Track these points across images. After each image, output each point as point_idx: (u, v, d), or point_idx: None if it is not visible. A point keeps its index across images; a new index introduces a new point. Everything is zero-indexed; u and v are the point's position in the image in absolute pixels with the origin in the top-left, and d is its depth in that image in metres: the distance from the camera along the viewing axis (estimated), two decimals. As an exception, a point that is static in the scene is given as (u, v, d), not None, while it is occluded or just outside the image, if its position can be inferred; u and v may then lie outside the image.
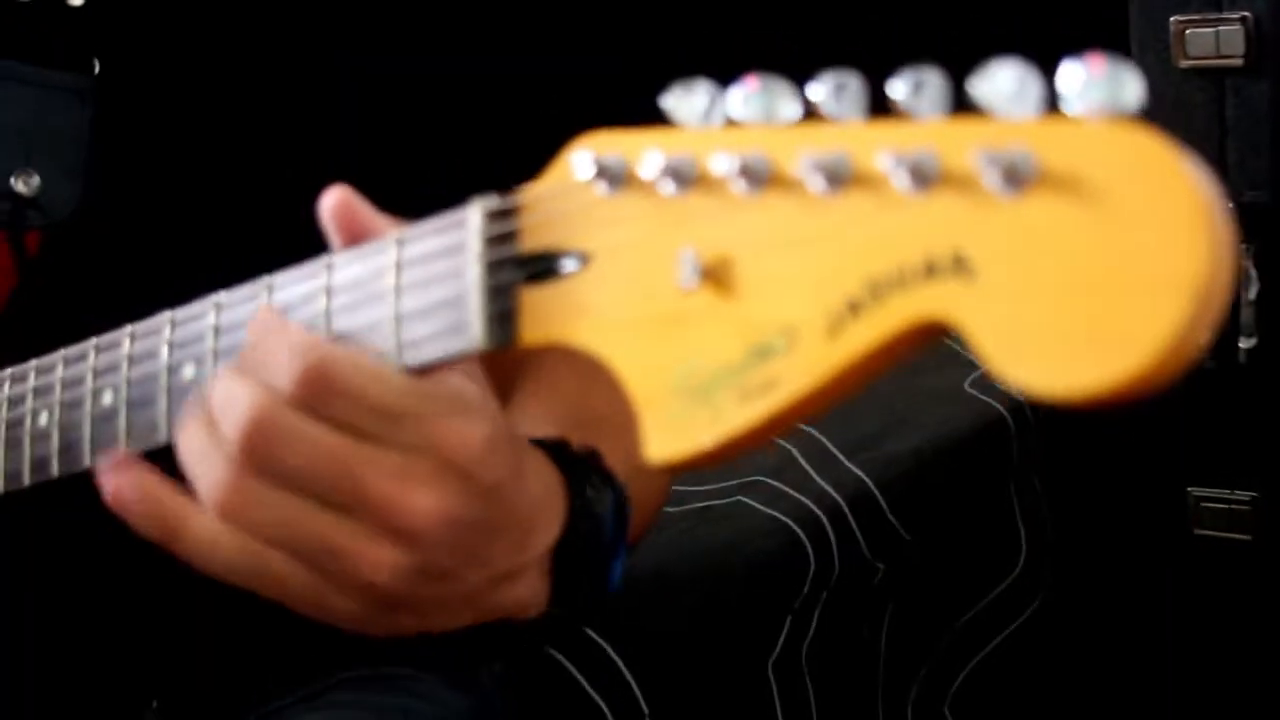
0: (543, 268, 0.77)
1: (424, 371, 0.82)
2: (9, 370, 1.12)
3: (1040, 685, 2.11)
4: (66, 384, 1.05)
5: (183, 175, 1.31)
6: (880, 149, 0.64)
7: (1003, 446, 2.10)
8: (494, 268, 0.77)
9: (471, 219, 0.78)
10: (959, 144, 0.62)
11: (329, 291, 0.86)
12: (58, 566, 1.40)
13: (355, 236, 0.87)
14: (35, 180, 1.23)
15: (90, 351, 1.03)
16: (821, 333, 0.65)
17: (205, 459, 0.85)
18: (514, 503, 0.88)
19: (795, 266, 0.67)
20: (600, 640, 1.78)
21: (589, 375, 1.26)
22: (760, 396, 0.67)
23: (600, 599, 1.04)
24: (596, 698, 1.75)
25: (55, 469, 1.05)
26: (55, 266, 1.29)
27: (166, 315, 0.97)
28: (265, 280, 0.91)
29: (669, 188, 0.71)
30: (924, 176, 0.62)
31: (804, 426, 2.10)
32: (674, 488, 1.95)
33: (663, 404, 0.70)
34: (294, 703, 1.44)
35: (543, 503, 0.92)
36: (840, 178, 0.65)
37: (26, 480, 1.08)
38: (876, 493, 1.98)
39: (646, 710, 1.76)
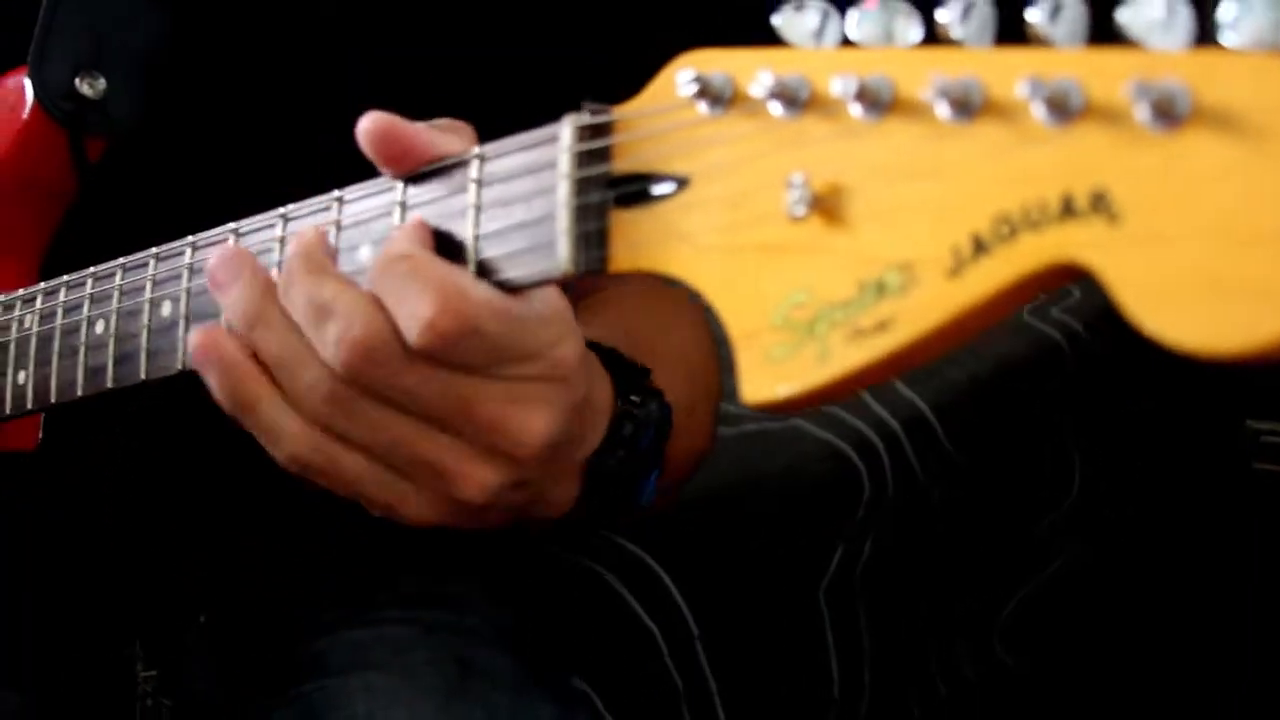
0: (635, 189, 0.73)
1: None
2: (65, 277, 1.09)
3: (1091, 617, 2.08)
4: (125, 293, 1.02)
5: (251, 88, 1.27)
6: (1018, 76, 0.59)
7: (1059, 375, 2.06)
8: (583, 186, 0.73)
9: (562, 134, 0.74)
10: (1107, 74, 0.57)
11: (403, 207, 0.82)
12: (109, 477, 1.37)
13: (404, 162, 0.83)
14: (101, 83, 1.20)
15: (150, 261, 1.00)
16: (943, 271, 0.61)
17: (299, 359, 0.83)
18: (587, 417, 0.87)
19: (916, 199, 0.63)
20: (650, 561, 1.75)
21: (648, 301, 1.24)
22: (873, 337, 0.63)
23: (626, 509, 1.02)
24: (646, 618, 1.72)
25: (109, 380, 1.02)
26: (116, 175, 1.26)
27: (230, 226, 0.94)
28: (335, 194, 0.87)
29: (779, 109, 0.67)
30: (1066, 108, 0.58)
31: (859, 349, 2.07)
32: (726, 409, 1.92)
33: (762, 340, 0.66)
34: (343, 618, 1.43)
35: (600, 404, 0.90)
36: (971, 105, 0.61)
37: (80, 390, 1.05)
38: (932, 418, 1.94)
39: (696, 632, 1.73)
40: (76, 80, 1.20)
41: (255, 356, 0.85)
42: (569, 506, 0.94)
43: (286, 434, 0.85)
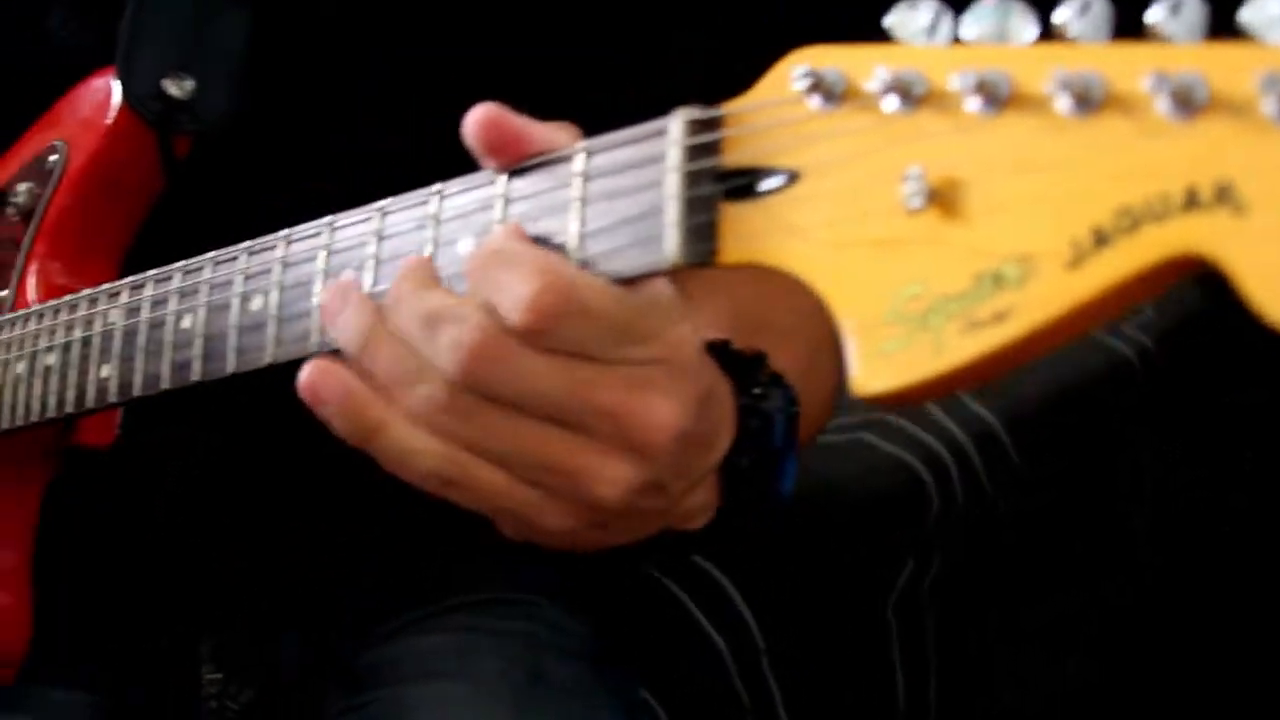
0: (744, 184, 0.73)
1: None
2: (151, 272, 1.10)
3: (1164, 628, 2.07)
4: (214, 287, 1.02)
5: (336, 83, 1.28)
6: (1142, 70, 0.60)
7: (1131, 391, 2.06)
8: (693, 179, 0.74)
9: (672, 129, 0.75)
10: (1232, 69, 0.58)
11: (505, 200, 0.83)
12: (182, 476, 1.38)
13: (508, 153, 0.84)
14: (189, 84, 1.22)
15: (241, 255, 1.01)
16: (1062, 263, 0.61)
17: (413, 374, 0.82)
18: (715, 410, 0.86)
19: (1035, 192, 0.63)
20: (717, 574, 1.75)
21: (758, 280, 1.23)
22: (989, 328, 0.63)
23: (772, 504, 1.01)
24: (712, 632, 1.72)
25: (197, 373, 1.03)
26: (203, 173, 1.27)
27: (326, 220, 0.94)
28: (435, 188, 0.88)
29: (894, 104, 0.68)
30: (1190, 101, 0.58)
31: (927, 364, 2.07)
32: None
33: (876, 332, 0.67)
34: (413, 622, 1.43)
35: (725, 403, 0.89)
36: (1092, 99, 0.61)
37: (165, 384, 1.06)
38: (1002, 432, 1.94)
39: (763, 646, 1.73)
40: (164, 81, 1.21)
41: (371, 382, 0.85)
42: (707, 516, 0.93)
43: (418, 453, 0.84)
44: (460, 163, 0.88)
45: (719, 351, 0.93)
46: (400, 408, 0.83)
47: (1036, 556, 2.00)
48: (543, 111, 0.90)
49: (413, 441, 0.84)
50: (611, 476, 0.81)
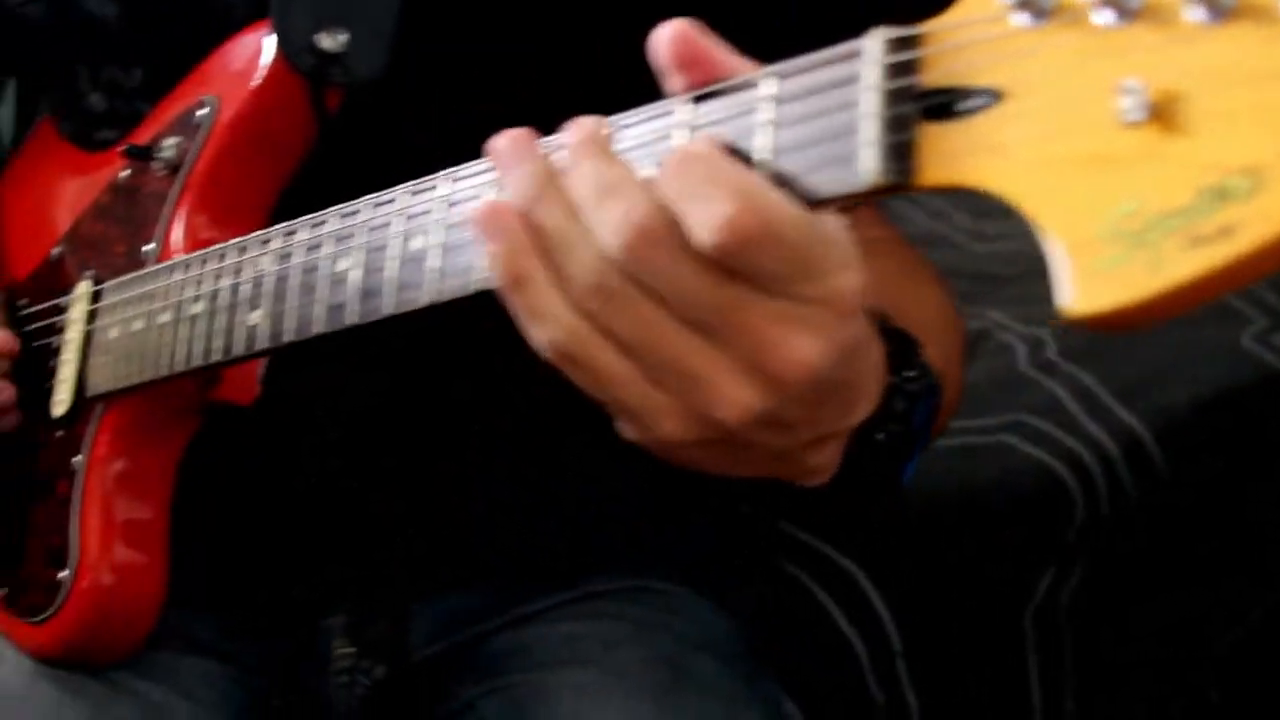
0: (943, 103, 0.71)
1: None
2: (305, 218, 1.09)
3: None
4: (372, 229, 1.01)
5: (494, 43, 1.27)
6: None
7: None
8: (891, 98, 0.72)
9: (870, 48, 0.73)
10: None
11: (691, 129, 0.81)
12: (321, 440, 1.38)
13: (699, 70, 0.81)
14: (342, 37, 1.21)
15: (401, 195, 1.00)
16: (1295, 174, 0.59)
17: (574, 240, 0.80)
18: (859, 366, 0.83)
19: (1264, 102, 0.60)
20: (856, 572, 1.73)
21: (910, 271, 1.22)
22: (1214, 244, 0.60)
23: (886, 490, 0.99)
24: (849, 632, 1.70)
25: (353, 315, 1.01)
26: (355, 127, 1.26)
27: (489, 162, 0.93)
28: (613, 118, 0.86)
29: (1106, 17, 0.65)
30: None
31: (1071, 368, 2.04)
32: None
33: (1092, 250, 0.64)
34: (553, 607, 1.43)
35: (874, 372, 0.87)
36: (1330, 3, 0.58)
37: (319, 327, 1.05)
38: (1149, 441, 1.91)
39: (899, 648, 1.72)
40: (319, 34, 1.20)
41: (534, 236, 0.83)
42: (827, 475, 0.91)
43: (551, 316, 0.81)
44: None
45: (879, 324, 0.91)
46: (551, 268, 0.81)
47: (1179, 578, 1.96)
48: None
49: (551, 304, 0.81)
50: (735, 398, 0.78)
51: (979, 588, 1.79)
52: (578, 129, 0.83)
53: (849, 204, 0.76)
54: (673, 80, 0.82)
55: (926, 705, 1.72)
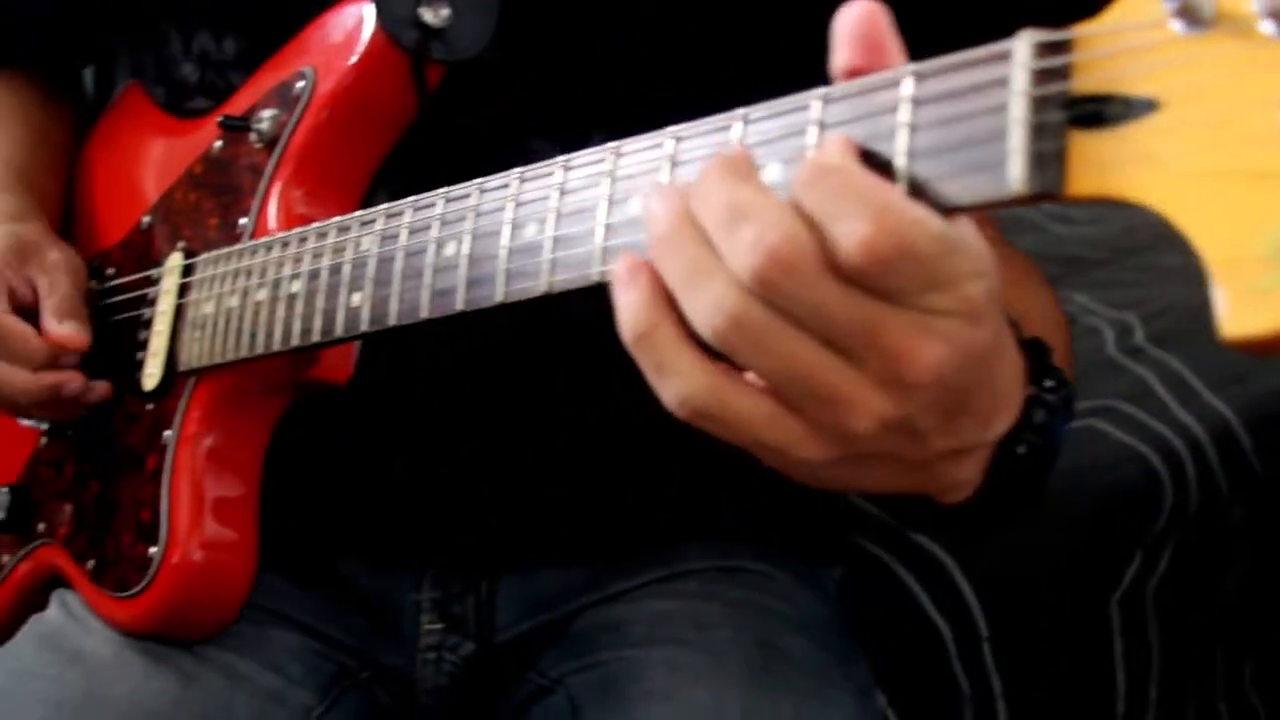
0: (1093, 111, 0.69)
1: None
2: (410, 199, 1.07)
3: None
4: (482, 214, 1.00)
5: (598, 21, 1.26)
6: None
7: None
8: (1040, 104, 0.70)
9: (1018, 51, 0.71)
10: None
11: (821, 126, 0.79)
12: (414, 418, 1.38)
13: (874, 54, 0.79)
14: (445, 12, 1.20)
15: (513, 181, 0.98)
16: None
17: (704, 272, 0.78)
18: (994, 373, 0.82)
19: None
20: (943, 556, 1.73)
21: (1022, 275, 1.20)
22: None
23: (1028, 504, 0.98)
24: (936, 615, 1.70)
25: (460, 302, 1.00)
26: (455, 103, 1.26)
27: (610, 145, 0.91)
28: (739, 112, 0.85)
29: (1272, 29, 0.63)
30: None
31: (1160, 353, 2.03)
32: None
33: (1249, 271, 0.63)
34: (642, 586, 1.43)
35: (1012, 384, 0.86)
36: None
37: (424, 313, 1.04)
38: (1240, 429, 1.89)
39: (985, 633, 1.71)
40: (420, 8, 1.20)
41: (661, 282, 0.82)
42: (968, 490, 0.90)
43: (678, 371, 0.80)
44: (720, 105, 0.85)
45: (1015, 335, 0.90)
46: (679, 322, 0.80)
47: (1265, 570, 1.95)
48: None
49: (677, 358, 0.80)
50: (869, 409, 0.77)
51: (1066, 573, 1.79)
52: (718, 151, 0.81)
53: (981, 210, 0.75)
54: (841, 57, 0.79)
55: (1012, 691, 1.72)
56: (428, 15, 1.20)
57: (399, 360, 1.26)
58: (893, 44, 0.78)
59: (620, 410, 1.33)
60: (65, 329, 1.37)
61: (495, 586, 1.43)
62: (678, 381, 0.81)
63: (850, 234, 0.72)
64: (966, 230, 0.75)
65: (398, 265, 1.06)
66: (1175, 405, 1.93)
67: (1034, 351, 0.93)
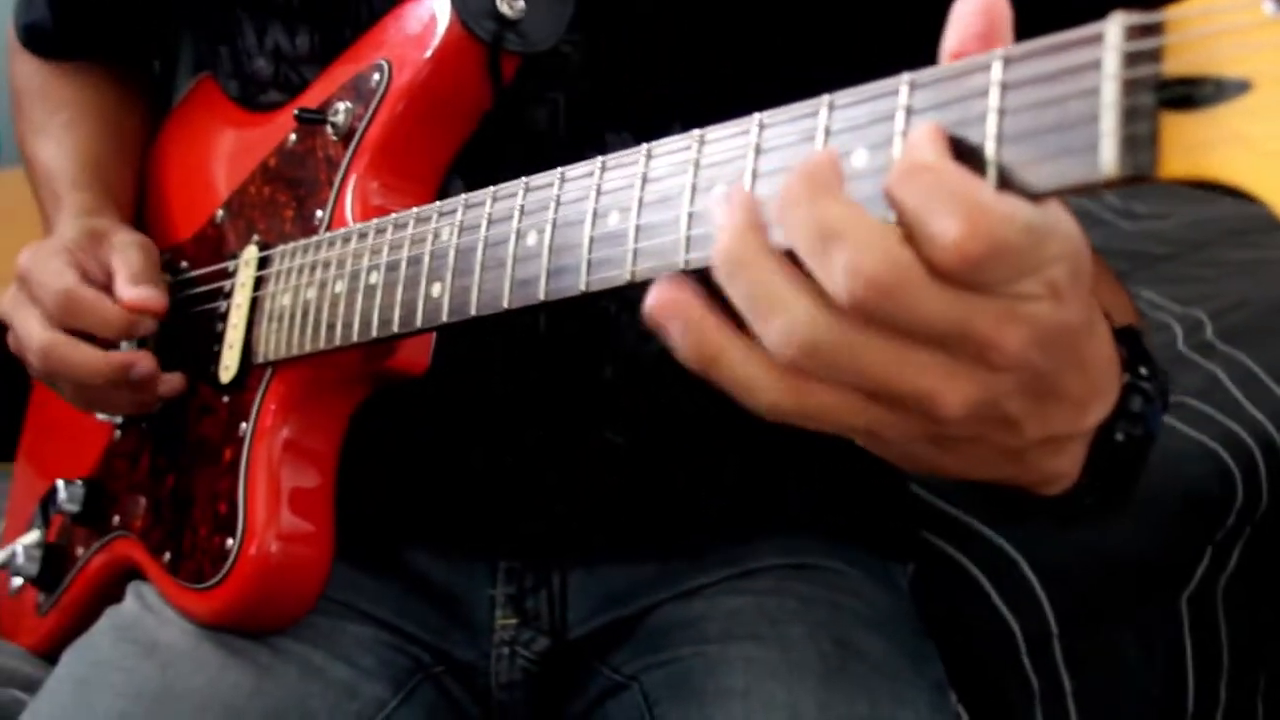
0: (1184, 93, 0.70)
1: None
2: (491, 189, 1.08)
3: None
4: (564, 203, 1.00)
5: (674, 15, 1.27)
6: None
7: None
8: (1131, 87, 0.70)
9: (1109, 34, 0.71)
10: None
11: (909, 112, 0.80)
12: (488, 408, 1.39)
13: (990, 39, 0.79)
14: (520, 3, 1.21)
15: (595, 170, 0.99)
16: None
17: (776, 301, 0.77)
18: (1085, 355, 0.82)
19: None
20: (1014, 553, 1.73)
21: (1100, 273, 1.20)
22: None
23: (1124, 492, 0.98)
24: (1006, 612, 1.71)
25: (542, 293, 1.01)
26: (528, 96, 1.28)
27: (695, 133, 0.92)
28: (825, 98, 0.85)
29: (1365, 10, 0.64)
30: None
31: (1230, 350, 2.03)
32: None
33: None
34: (715, 583, 1.44)
35: (1106, 371, 0.86)
36: None
37: (506, 303, 1.04)
38: (1314, 429, 1.90)
39: (1056, 630, 1.72)
40: (497, 0, 1.21)
41: (721, 303, 0.81)
42: (1067, 483, 0.90)
43: (759, 385, 0.80)
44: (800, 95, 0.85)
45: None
46: (744, 337, 0.80)
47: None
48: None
49: (753, 373, 0.80)
50: (957, 395, 0.77)
51: (1136, 571, 1.78)
52: (802, 162, 0.79)
53: (1068, 195, 0.75)
54: (952, 40, 0.79)
55: (1081, 688, 1.72)
56: (504, 7, 1.21)
57: (469, 349, 1.28)
58: (1007, 35, 0.78)
59: (687, 401, 1.35)
60: (140, 291, 1.38)
61: (567, 581, 1.44)
62: (761, 394, 0.81)
63: (944, 233, 0.72)
64: (1054, 214, 0.75)
65: (478, 255, 1.07)
66: (1246, 401, 1.93)
67: (1127, 340, 0.93)
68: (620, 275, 0.94)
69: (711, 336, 0.81)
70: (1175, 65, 0.70)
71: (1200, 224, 2.48)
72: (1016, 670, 1.71)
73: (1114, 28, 0.71)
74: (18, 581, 1.63)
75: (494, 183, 1.09)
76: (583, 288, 0.98)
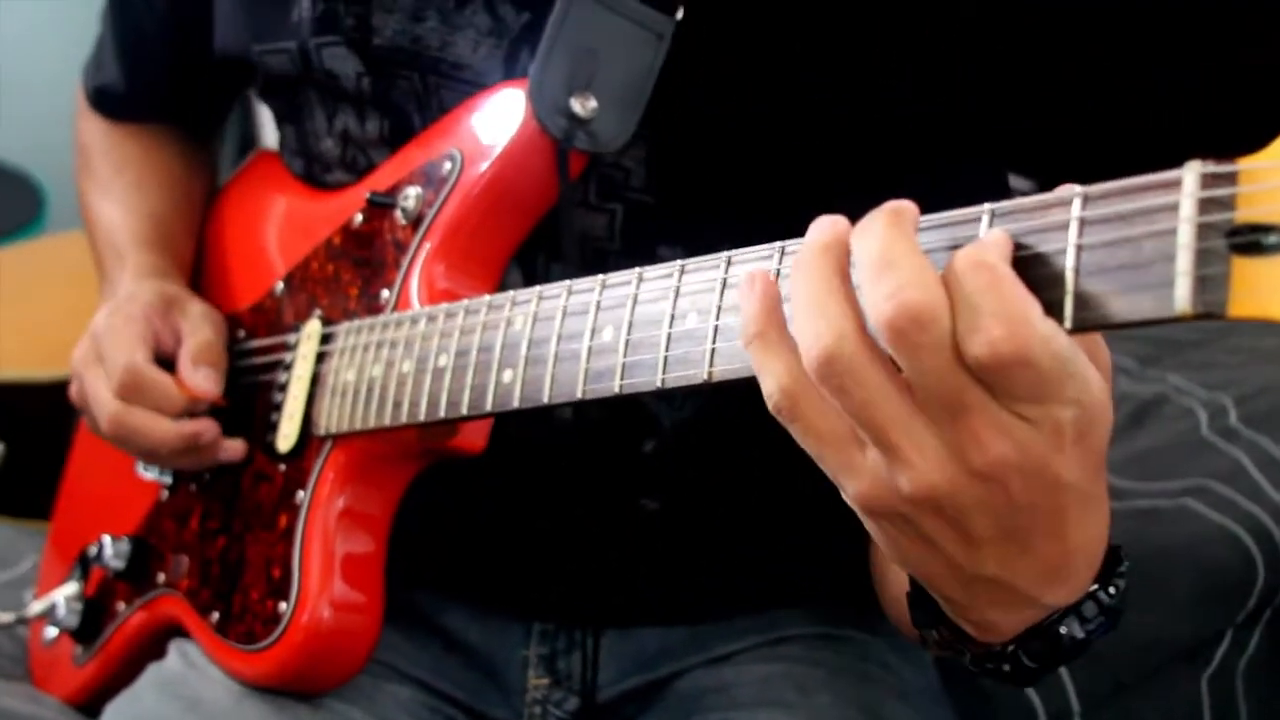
0: (1253, 240, 0.76)
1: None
2: (566, 282, 1.15)
3: None
4: (640, 301, 1.07)
5: (738, 134, 1.33)
6: None
7: None
8: (1205, 231, 0.77)
9: (1187, 180, 0.78)
10: None
11: (993, 214, 0.87)
12: (535, 485, 1.45)
13: None
14: (592, 104, 1.28)
15: (675, 271, 1.05)
16: None
17: (824, 300, 0.86)
18: (1064, 526, 0.88)
19: None
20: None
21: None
22: None
23: (1030, 679, 1.04)
24: (1029, 691, 1.76)
25: (616, 386, 1.07)
26: (590, 203, 1.35)
27: (776, 245, 0.98)
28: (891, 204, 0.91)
29: None
30: None
31: (1253, 435, 2.08)
32: (1118, 484, 1.95)
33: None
34: (745, 650, 1.49)
35: (1084, 559, 0.92)
36: None
37: (579, 394, 1.10)
38: (1332, 510, 1.95)
39: (1077, 708, 1.76)
40: (572, 98, 1.28)
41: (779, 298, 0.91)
42: (996, 639, 0.98)
43: (776, 372, 0.89)
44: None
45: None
46: (784, 333, 0.90)
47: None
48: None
49: (777, 362, 0.89)
50: (920, 469, 0.84)
51: (1158, 650, 1.82)
52: (890, 204, 0.87)
53: (1140, 327, 0.82)
54: None
55: (1104, 768, 1.77)
56: (576, 106, 1.28)
57: (516, 425, 1.33)
58: None
59: (721, 471, 1.41)
60: (199, 377, 1.47)
61: (599, 643, 1.49)
62: (773, 378, 0.89)
63: (984, 329, 0.80)
64: (1084, 362, 0.83)
65: (552, 346, 1.13)
66: (1268, 486, 1.97)
67: (1110, 557, 0.98)
68: (697, 375, 1.01)
69: (768, 317, 0.91)
70: (1247, 213, 0.77)
71: (1227, 311, 2.53)
72: (1039, 748, 1.75)
73: (1191, 175, 0.78)
74: (53, 632, 1.68)
75: (551, 278, 1.16)
76: (658, 384, 1.04)
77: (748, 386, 0.94)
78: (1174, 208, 0.78)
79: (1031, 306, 0.81)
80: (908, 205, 0.87)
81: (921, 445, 0.84)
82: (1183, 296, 0.77)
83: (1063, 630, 0.98)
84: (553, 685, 1.52)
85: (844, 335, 0.84)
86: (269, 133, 2.30)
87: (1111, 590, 0.98)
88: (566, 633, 1.52)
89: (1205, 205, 0.77)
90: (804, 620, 1.51)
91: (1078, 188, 0.83)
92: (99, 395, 1.47)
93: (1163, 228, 0.78)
